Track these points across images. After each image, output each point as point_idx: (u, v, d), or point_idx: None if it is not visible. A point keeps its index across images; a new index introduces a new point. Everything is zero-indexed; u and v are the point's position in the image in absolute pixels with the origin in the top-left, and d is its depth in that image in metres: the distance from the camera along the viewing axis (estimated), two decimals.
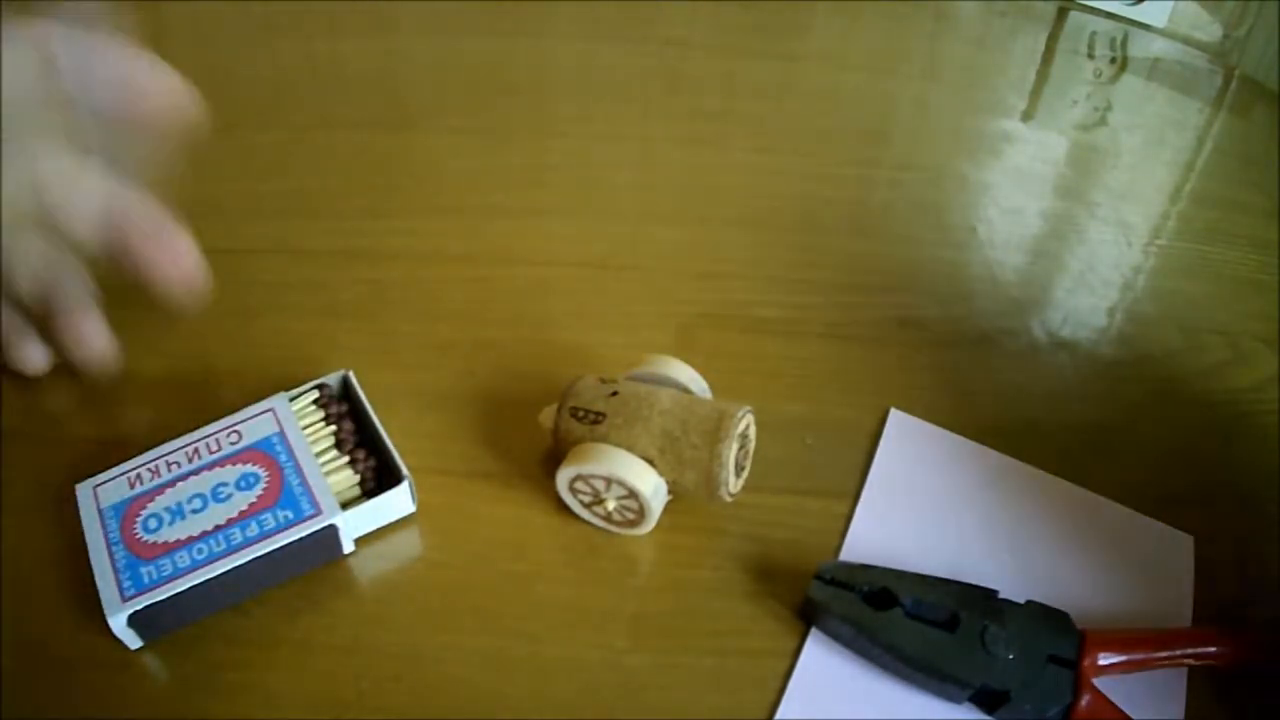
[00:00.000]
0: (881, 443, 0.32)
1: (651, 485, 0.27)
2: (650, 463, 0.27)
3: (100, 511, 0.26)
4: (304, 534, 0.25)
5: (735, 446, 0.27)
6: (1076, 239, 0.43)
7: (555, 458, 0.29)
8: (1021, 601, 0.26)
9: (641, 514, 0.28)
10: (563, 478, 0.28)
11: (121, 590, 0.24)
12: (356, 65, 0.50)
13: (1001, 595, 0.26)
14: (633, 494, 0.27)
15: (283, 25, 0.54)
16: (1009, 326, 0.37)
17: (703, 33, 0.55)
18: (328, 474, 0.27)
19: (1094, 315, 0.39)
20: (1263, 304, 0.40)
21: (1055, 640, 0.25)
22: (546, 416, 0.29)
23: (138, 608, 0.24)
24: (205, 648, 0.25)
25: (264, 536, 0.25)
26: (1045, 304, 0.39)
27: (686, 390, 0.29)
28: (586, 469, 0.27)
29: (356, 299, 0.36)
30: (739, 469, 0.28)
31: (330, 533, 0.26)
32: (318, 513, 0.26)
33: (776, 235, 0.41)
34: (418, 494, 0.29)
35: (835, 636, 0.27)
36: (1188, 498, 0.31)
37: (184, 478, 0.27)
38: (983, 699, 0.25)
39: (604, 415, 0.28)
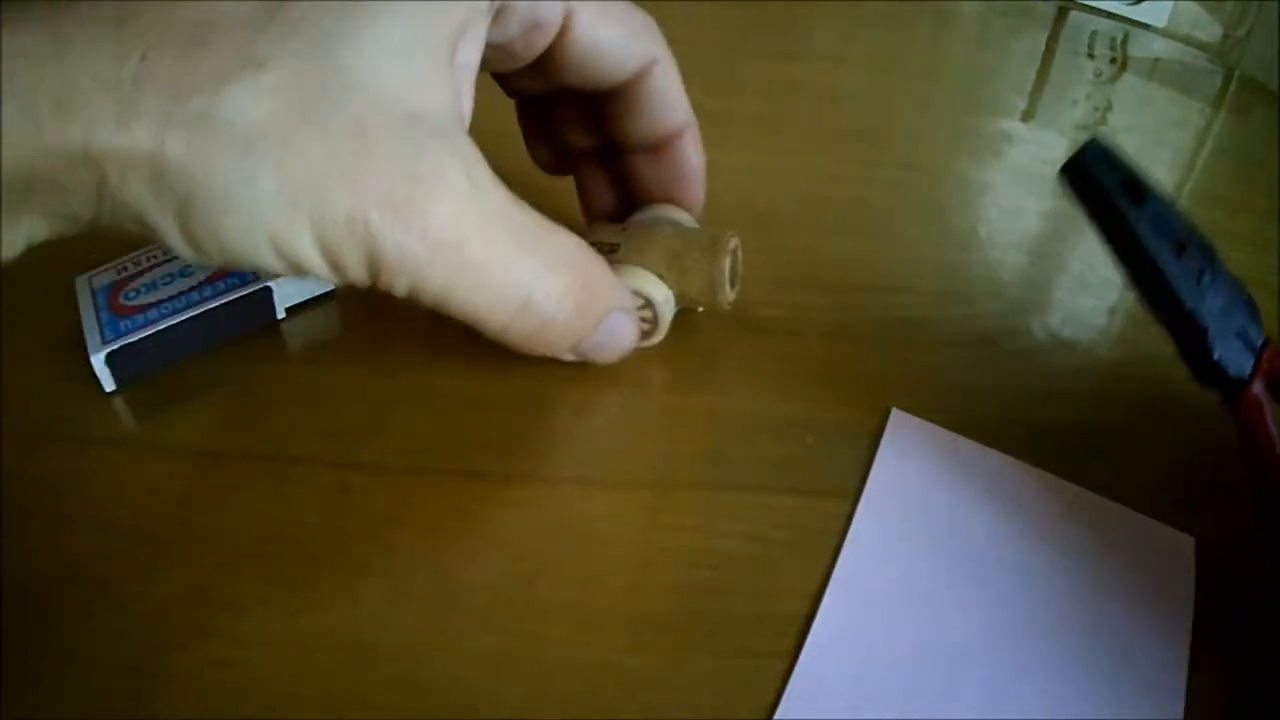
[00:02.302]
0: (883, 442, 0.32)
1: (663, 294, 0.32)
2: (660, 277, 0.32)
3: (93, 292, 0.33)
4: (244, 294, 0.33)
5: (728, 259, 0.33)
6: (1076, 239, 0.43)
7: None
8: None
9: (655, 323, 0.32)
10: None
11: (103, 337, 0.31)
12: None
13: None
14: (648, 303, 0.32)
15: None
16: (1009, 326, 0.38)
17: (703, 33, 0.55)
18: None
19: (1094, 315, 0.39)
20: (1263, 304, 0.40)
21: (1248, 323, 0.27)
22: None
23: (113, 348, 0.31)
24: (205, 642, 0.25)
25: (215, 296, 0.32)
26: (1045, 304, 0.39)
27: (682, 224, 0.35)
28: None
29: (357, 298, 0.36)
30: (732, 283, 0.33)
31: (265, 294, 0.33)
32: (256, 279, 0.33)
33: (776, 235, 0.41)
34: (417, 493, 0.29)
35: (1088, 207, 0.28)
36: (1188, 498, 0.31)
37: (160, 264, 0.33)
38: (1180, 323, 0.26)
39: (618, 245, 0.33)
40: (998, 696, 0.26)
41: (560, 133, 0.33)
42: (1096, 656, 0.27)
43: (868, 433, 0.33)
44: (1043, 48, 0.59)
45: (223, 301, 0.32)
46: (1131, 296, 0.40)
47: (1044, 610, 0.28)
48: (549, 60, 0.27)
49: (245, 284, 0.33)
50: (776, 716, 0.25)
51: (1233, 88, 0.57)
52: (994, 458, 0.32)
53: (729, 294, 0.33)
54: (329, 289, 0.36)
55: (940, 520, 0.30)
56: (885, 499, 0.30)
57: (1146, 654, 0.27)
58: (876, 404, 0.33)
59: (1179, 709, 0.26)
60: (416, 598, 0.27)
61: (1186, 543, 0.30)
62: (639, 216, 0.35)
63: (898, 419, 0.33)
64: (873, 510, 0.30)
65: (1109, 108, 0.53)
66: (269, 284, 0.33)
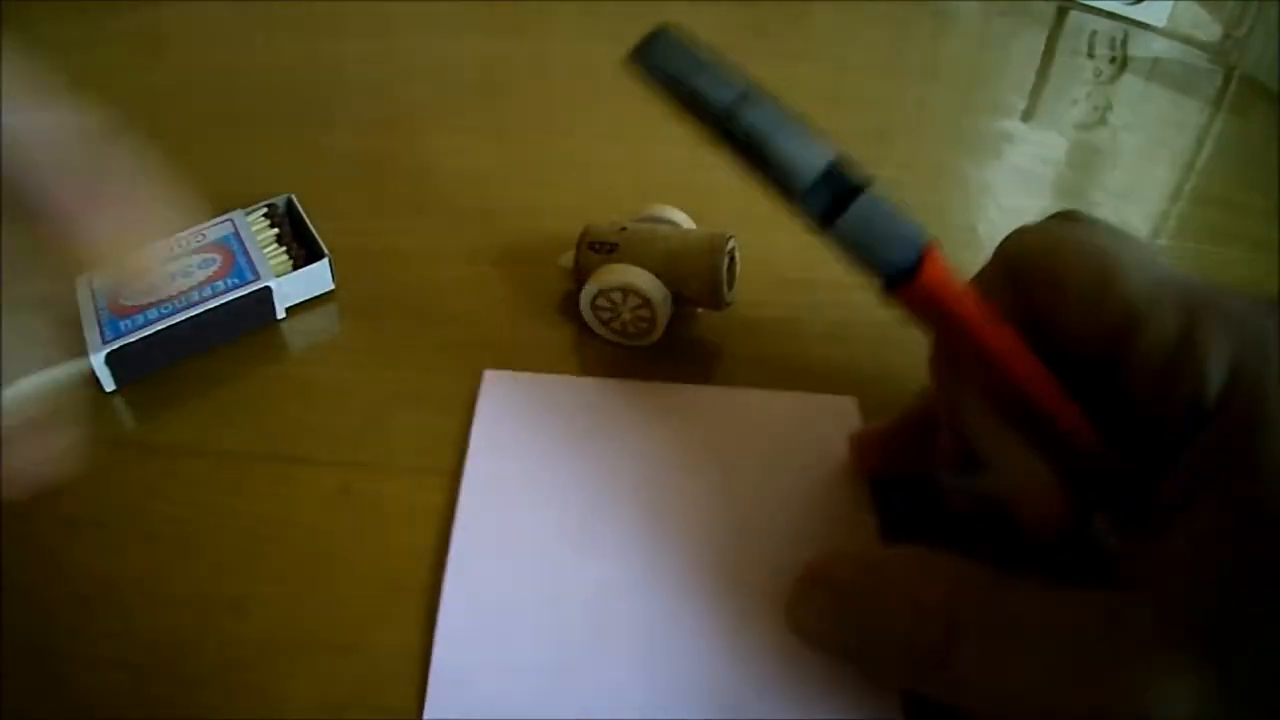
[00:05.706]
0: (479, 405, 0.31)
1: (661, 293, 0.32)
2: (658, 276, 0.32)
3: (93, 292, 0.32)
4: (245, 293, 0.33)
5: (726, 260, 0.33)
6: None
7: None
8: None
9: (653, 322, 0.33)
10: (585, 296, 0.33)
11: (103, 337, 0.31)
12: (356, 65, 0.50)
13: None
14: (646, 302, 0.32)
15: (283, 25, 0.54)
16: None
17: (703, 33, 0.55)
18: (268, 258, 0.34)
19: None
20: None
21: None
22: (567, 259, 0.34)
23: (113, 348, 0.31)
24: (204, 646, 0.25)
25: (215, 296, 0.32)
26: None
27: (681, 225, 0.35)
28: (607, 284, 0.32)
29: (357, 299, 0.36)
30: (730, 284, 0.34)
31: (265, 294, 0.33)
32: (257, 279, 0.33)
33: (776, 235, 0.40)
34: (417, 493, 0.29)
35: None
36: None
37: (160, 264, 0.32)
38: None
39: (617, 245, 0.33)
40: (668, 605, 0.26)
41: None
42: (787, 520, 0.28)
43: None
44: (1043, 48, 0.59)
45: (223, 301, 0.32)
46: None
47: (721, 507, 0.28)
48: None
49: (245, 284, 0.33)
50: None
51: (1233, 88, 0.57)
52: (602, 385, 0.32)
53: (727, 295, 0.33)
54: (329, 289, 0.36)
55: (557, 461, 0.30)
56: (492, 458, 0.30)
57: (838, 506, 0.29)
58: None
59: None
60: (418, 596, 0.27)
61: (850, 404, 0.32)
62: (638, 216, 0.35)
63: (491, 379, 0.32)
64: (480, 473, 0.29)
65: (1109, 107, 0.53)
66: (269, 284, 0.33)
